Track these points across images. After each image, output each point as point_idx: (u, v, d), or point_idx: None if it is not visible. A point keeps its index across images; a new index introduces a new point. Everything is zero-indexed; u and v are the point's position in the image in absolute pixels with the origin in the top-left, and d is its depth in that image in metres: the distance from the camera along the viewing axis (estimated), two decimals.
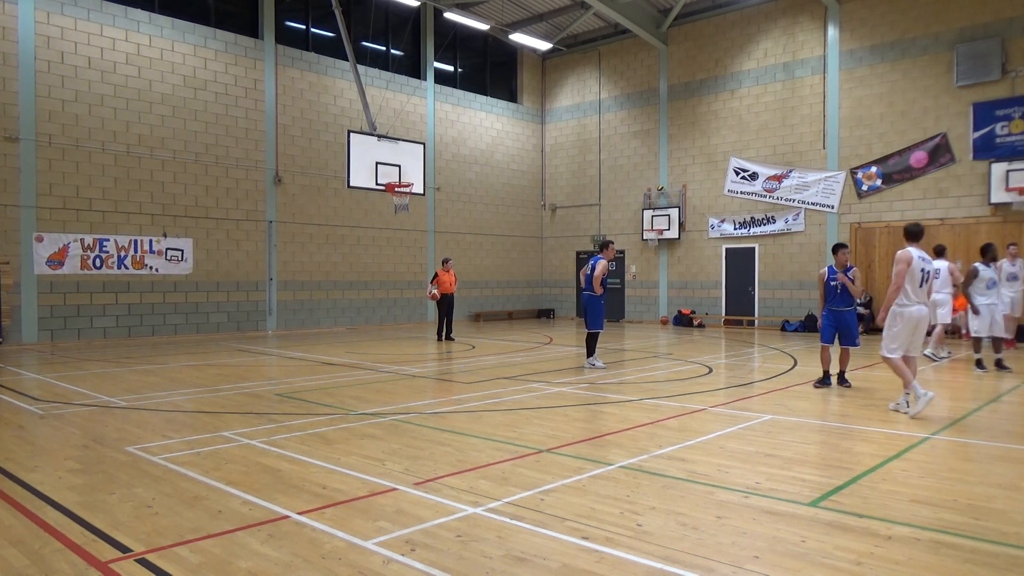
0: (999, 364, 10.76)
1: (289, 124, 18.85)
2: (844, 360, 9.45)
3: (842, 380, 9.41)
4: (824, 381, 9.39)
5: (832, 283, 9.25)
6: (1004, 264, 11.57)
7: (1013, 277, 11.59)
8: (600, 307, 11.45)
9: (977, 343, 10.96)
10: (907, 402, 7.57)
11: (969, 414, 7.61)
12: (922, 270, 7.47)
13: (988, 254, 10.84)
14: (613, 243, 12.03)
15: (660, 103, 22.12)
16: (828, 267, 9.41)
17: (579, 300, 19.70)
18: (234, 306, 17.85)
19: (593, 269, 11.29)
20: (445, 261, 16.72)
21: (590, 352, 11.44)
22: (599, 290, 11.32)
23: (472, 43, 23.79)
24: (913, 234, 7.66)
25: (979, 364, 10.79)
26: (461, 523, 4.21)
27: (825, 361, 9.45)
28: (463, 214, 23.13)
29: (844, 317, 9.25)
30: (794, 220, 19.23)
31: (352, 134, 15.49)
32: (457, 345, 15.35)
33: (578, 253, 24.48)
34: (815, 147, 18.93)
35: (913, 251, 7.49)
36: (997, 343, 10.92)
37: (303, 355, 13.47)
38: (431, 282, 16.48)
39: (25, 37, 14.67)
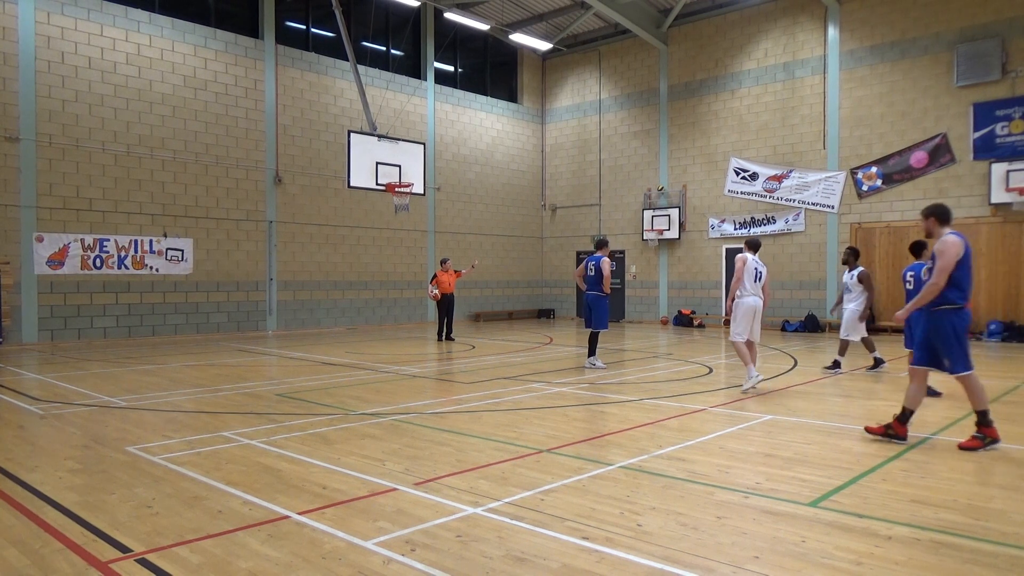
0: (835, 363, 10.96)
1: (289, 124, 18.84)
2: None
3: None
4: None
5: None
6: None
7: (847, 289, 10.98)
8: (606, 307, 11.48)
9: (843, 345, 11.04)
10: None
11: (969, 414, 7.60)
12: (755, 269, 9.13)
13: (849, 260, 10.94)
14: (609, 242, 12.09)
15: (660, 103, 22.11)
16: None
17: (579, 300, 19.72)
18: (234, 306, 17.85)
19: (598, 270, 11.29)
20: (444, 261, 16.70)
21: (591, 351, 11.45)
22: (608, 290, 11.38)
23: (472, 43, 23.78)
24: (753, 245, 9.31)
25: (836, 365, 10.92)
26: (461, 523, 4.21)
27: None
28: (463, 214, 23.13)
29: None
30: (794, 220, 19.22)
31: (352, 134, 15.49)
32: (457, 345, 15.34)
33: (578, 253, 24.46)
34: (815, 147, 18.92)
35: (749, 255, 9.18)
36: (844, 345, 11.02)
37: (303, 355, 13.47)
38: (431, 282, 16.48)
39: (25, 37, 14.67)
